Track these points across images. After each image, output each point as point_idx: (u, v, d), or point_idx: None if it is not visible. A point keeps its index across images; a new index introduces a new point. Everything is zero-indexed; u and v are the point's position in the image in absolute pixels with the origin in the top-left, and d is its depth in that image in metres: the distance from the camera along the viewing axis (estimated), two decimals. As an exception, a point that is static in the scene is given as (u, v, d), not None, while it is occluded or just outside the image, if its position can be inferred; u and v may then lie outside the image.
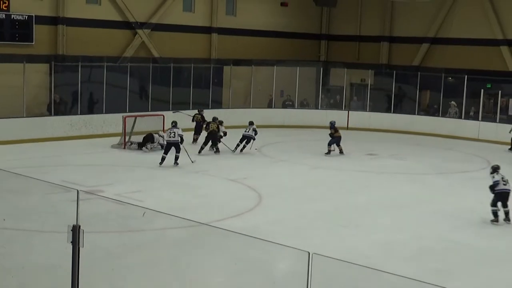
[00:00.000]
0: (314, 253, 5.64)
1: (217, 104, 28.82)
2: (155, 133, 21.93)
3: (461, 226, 14.03)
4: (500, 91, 28.31)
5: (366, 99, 30.89)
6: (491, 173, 14.81)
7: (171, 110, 24.70)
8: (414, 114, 29.55)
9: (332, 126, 22.46)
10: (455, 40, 31.04)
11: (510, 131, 24.55)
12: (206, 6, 29.77)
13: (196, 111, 24.46)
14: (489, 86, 29.05)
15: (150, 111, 25.13)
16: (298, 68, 29.94)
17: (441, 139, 27.28)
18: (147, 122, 22.67)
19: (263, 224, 13.49)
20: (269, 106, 29.97)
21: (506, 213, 14.32)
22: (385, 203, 15.98)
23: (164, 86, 26.76)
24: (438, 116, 29.29)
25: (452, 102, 28.79)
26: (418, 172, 20.27)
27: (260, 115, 27.48)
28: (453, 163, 22.14)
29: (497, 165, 15.07)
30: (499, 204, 14.25)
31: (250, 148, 21.94)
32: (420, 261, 11.63)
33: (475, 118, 27.93)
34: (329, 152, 22.22)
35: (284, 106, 30.50)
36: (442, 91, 29.31)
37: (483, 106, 28.43)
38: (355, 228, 13.65)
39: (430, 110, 30.61)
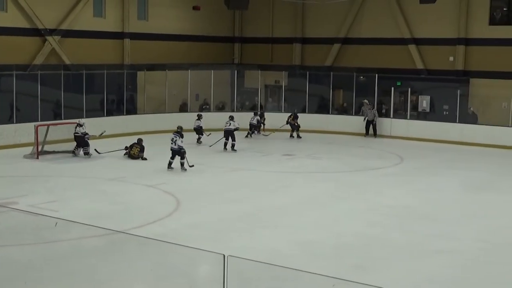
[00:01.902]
0: (229, 255, 5.65)
1: (132, 110, 28.54)
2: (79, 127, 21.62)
3: (378, 222, 14.32)
4: (409, 89, 29.12)
5: (281, 100, 31.18)
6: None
7: (85, 117, 24.28)
8: (328, 113, 30.04)
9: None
10: (365, 40, 31.71)
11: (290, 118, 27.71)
12: (117, 11, 29.38)
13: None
14: (399, 84, 29.84)
15: (63, 119, 24.60)
16: (212, 71, 29.95)
17: (355, 137, 27.82)
18: (60, 130, 22.19)
19: (183, 229, 13.43)
20: (181, 110, 29.80)
21: (182, 164, 19.44)
22: (304, 202, 16.16)
23: (77, 93, 26.25)
24: (351, 114, 29.86)
25: (365, 101, 29.41)
26: (334, 170, 20.60)
27: (175, 119, 27.33)
28: (367, 160, 22.61)
29: (179, 126, 20.30)
30: (176, 158, 19.52)
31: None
32: (340, 258, 11.81)
33: (387, 115, 28.66)
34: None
35: (201, 110, 30.42)
36: (355, 90, 29.93)
37: (394, 104, 29.27)
38: (275, 228, 13.73)
39: (339, 109, 31.21)
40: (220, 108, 31.13)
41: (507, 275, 10.99)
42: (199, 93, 31.17)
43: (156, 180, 18.09)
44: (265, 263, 6.38)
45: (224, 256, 5.66)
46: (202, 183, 18.25)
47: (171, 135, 19.80)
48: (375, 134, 28.02)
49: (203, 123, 25.21)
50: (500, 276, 11.05)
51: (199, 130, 25.11)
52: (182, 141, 19.60)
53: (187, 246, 6.61)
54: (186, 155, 19.56)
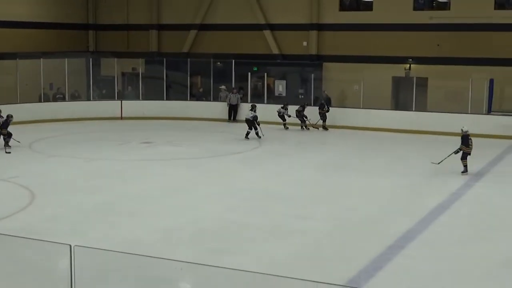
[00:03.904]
0: (76, 245, 5.55)
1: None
2: None
3: (236, 205, 14.53)
4: (266, 74, 29.68)
5: (138, 87, 30.84)
6: None
7: None
8: (187, 100, 30.07)
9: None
10: (221, 26, 31.98)
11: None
12: (-40, -3, 27.93)
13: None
14: (255, 69, 30.36)
15: None
16: (66, 59, 29.08)
17: (214, 123, 28.03)
18: None
19: (39, 223, 13.03)
20: (40, 100, 28.85)
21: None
22: (162, 189, 16.11)
23: None
24: (210, 100, 30.04)
25: (222, 87, 29.67)
26: (194, 156, 20.66)
27: (29, 110, 26.46)
28: (226, 145, 22.85)
29: None
30: None
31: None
32: (200, 243, 11.89)
33: (245, 100, 29.03)
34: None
35: (55, 99, 29.56)
36: (212, 76, 30.13)
37: (252, 89, 29.76)
38: (134, 217, 13.60)
39: (196, 95, 31.33)
40: (76, 97, 30.37)
41: (359, 251, 11.48)
42: (53, 83, 30.26)
43: (8, 174, 17.39)
44: (113, 251, 6.31)
45: (70, 246, 5.56)
46: (58, 175, 17.75)
47: None
48: (234, 119, 28.35)
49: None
50: (353, 251, 11.53)
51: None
52: None
53: (33, 239, 6.43)
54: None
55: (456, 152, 17.62)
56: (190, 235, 12.38)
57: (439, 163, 18.04)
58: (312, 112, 26.40)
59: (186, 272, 6.72)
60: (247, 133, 23.78)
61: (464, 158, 17.56)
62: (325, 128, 26.36)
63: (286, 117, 26.24)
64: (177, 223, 13.13)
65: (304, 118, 26.20)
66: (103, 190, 15.89)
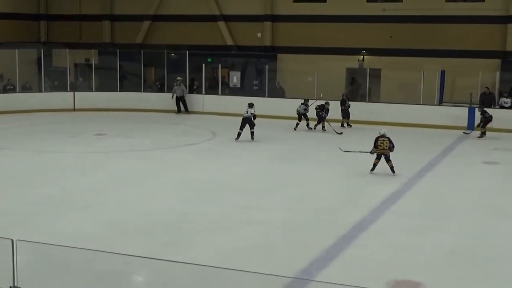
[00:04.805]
0: (18, 240, 5.44)
1: None
2: None
3: (189, 197, 14.46)
4: (220, 65, 29.59)
5: (91, 79, 30.46)
6: None
7: None
8: (141, 91, 29.81)
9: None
10: (175, 17, 31.81)
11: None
12: None
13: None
14: (209, 60, 30.24)
15: None
16: (17, 50, 28.54)
17: (168, 115, 27.86)
18: None
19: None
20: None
21: None
22: (116, 182, 15.93)
23: None
24: (164, 92, 29.83)
25: (178, 78, 29.49)
26: (147, 148, 20.51)
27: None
28: (180, 136, 22.76)
29: None
30: None
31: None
32: (153, 235, 11.78)
33: (199, 91, 28.94)
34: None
35: (5, 91, 29.02)
36: (166, 67, 29.92)
37: (207, 80, 29.66)
38: (86, 210, 13.40)
39: (152, 87, 31.14)
40: (27, 89, 29.88)
41: (312, 241, 11.52)
42: (3, 74, 29.73)
43: (-43, 167, 17.06)
44: (58, 245, 6.21)
45: (12, 241, 5.45)
46: (9, 168, 17.44)
47: None
48: (186, 110, 28.21)
49: None
50: (306, 241, 11.56)
51: None
52: None
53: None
54: None
55: (371, 152, 17.27)
56: (143, 228, 12.26)
57: (345, 151, 18.01)
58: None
59: (138, 266, 6.65)
60: (252, 133, 21.56)
61: (377, 158, 17.31)
62: (349, 125, 25.09)
63: (307, 114, 24.28)
64: (129, 215, 12.98)
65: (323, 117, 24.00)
66: (54, 183, 15.65)
